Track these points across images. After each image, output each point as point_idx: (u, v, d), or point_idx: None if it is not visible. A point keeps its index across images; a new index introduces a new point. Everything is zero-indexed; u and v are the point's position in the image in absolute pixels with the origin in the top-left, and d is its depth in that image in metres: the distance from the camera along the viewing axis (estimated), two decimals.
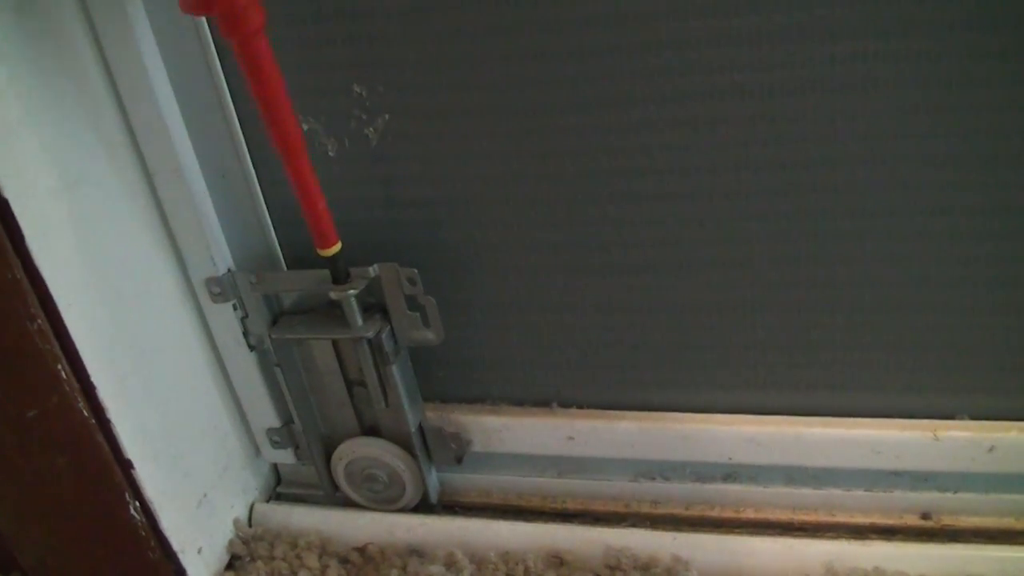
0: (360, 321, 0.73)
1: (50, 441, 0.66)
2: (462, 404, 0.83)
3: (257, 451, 0.87)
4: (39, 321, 0.61)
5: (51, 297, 0.61)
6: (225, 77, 0.69)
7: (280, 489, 0.90)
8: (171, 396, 0.74)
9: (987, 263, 0.66)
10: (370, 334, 0.73)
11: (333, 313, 0.75)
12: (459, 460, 0.82)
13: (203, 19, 0.66)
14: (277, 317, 0.78)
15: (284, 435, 0.84)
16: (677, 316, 0.74)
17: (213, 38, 0.67)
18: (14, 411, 0.64)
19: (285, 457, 0.86)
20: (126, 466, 0.67)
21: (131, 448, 0.67)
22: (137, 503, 0.69)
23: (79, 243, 0.64)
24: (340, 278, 0.71)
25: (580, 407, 0.81)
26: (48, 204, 0.61)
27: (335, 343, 0.77)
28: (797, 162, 0.65)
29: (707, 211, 0.68)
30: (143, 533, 0.70)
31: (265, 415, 0.83)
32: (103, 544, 0.71)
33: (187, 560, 0.73)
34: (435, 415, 0.82)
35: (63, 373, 0.63)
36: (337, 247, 0.69)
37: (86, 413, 0.65)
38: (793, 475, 0.78)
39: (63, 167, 0.62)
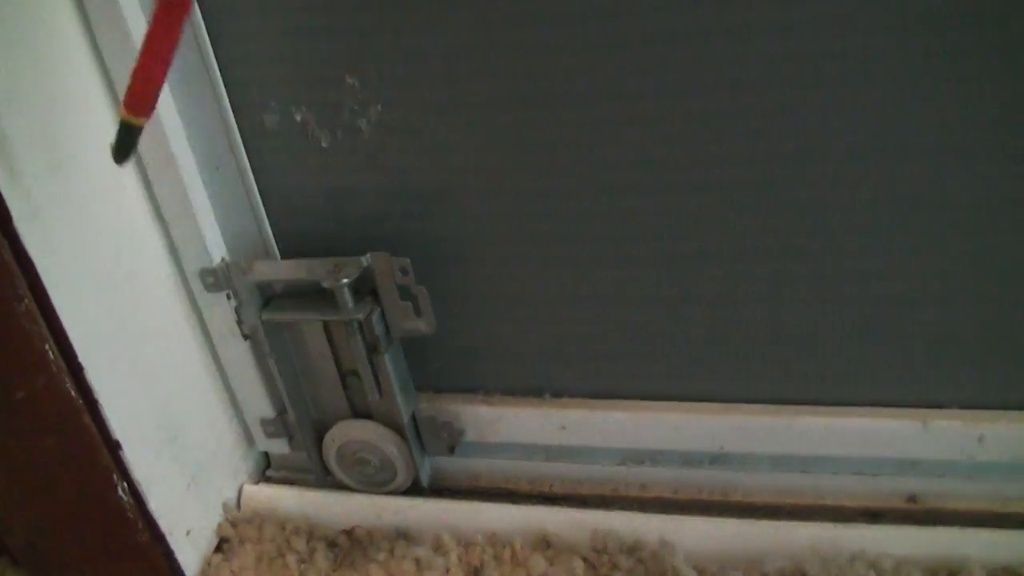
0: (351, 305, 0.69)
1: (38, 422, 0.62)
2: (455, 394, 0.79)
3: (250, 439, 0.82)
4: (26, 301, 0.57)
5: (39, 278, 0.57)
6: (219, 66, 0.65)
7: (270, 472, 0.86)
8: (161, 380, 0.70)
9: (977, 255, 0.63)
10: (360, 316, 0.69)
11: (324, 296, 0.70)
12: (452, 450, 0.79)
13: (196, 7, 0.62)
14: (268, 302, 0.74)
15: (278, 424, 0.80)
16: (669, 308, 0.71)
17: (208, 31, 0.63)
18: (1, 392, 0.60)
19: (279, 446, 0.82)
20: (114, 447, 0.64)
21: (119, 430, 0.64)
22: (125, 484, 0.65)
23: (68, 225, 0.60)
24: (124, 153, 0.57)
25: (572, 396, 0.77)
26: (36, 185, 0.57)
27: (328, 332, 0.73)
28: (790, 156, 0.61)
29: (700, 204, 0.65)
30: (131, 515, 0.66)
31: (259, 405, 0.79)
32: (91, 526, 0.67)
33: (175, 542, 0.70)
34: (428, 405, 0.78)
35: (51, 354, 0.59)
36: (143, 121, 0.56)
37: (74, 394, 0.61)
38: (781, 462, 0.73)
39: (51, 149, 0.59)
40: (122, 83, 0.62)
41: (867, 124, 0.58)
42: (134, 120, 0.54)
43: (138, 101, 0.53)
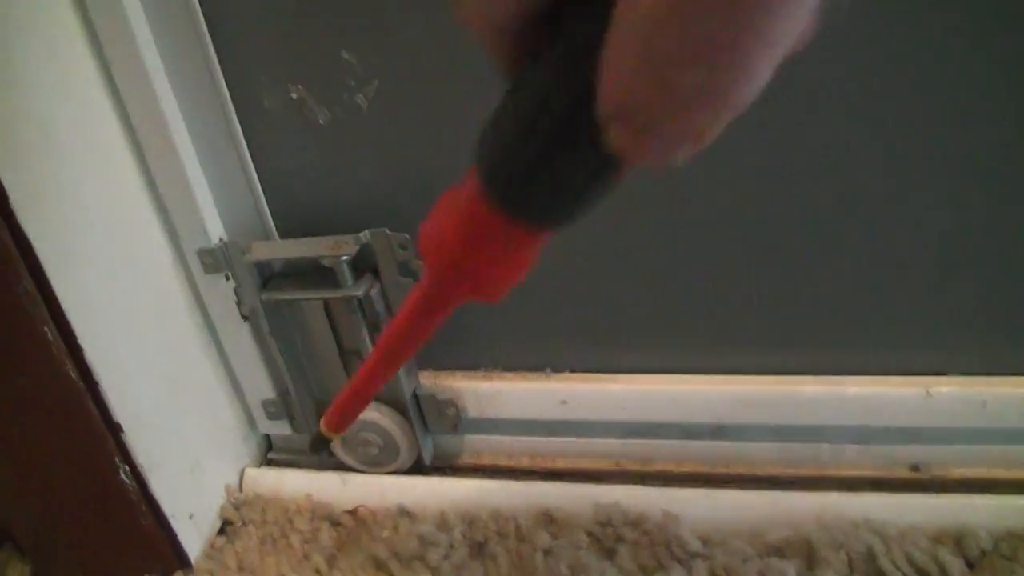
0: (351, 282, 0.68)
1: (39, 406, 0.61)
2: (456, 371, 0.79)
3: (251, 422, 0.82)
4: (25, 284, 0.56)
5: (38, 260, 0.56)
6: (215, 49, 0.64)
7: (272, 455, 0.85)
8: (162, 362, 0.69)
9: (977, 221, 0.62)
10: (359, 292, 0.68)
11: (323, 274, 0.69)
12: (454, 427, 0.78)
13: None
14: (268, 282, 0.73)
15: (279, 406, 0.79)
16: (668, 280, 0.70)
17: (202, 10, 0.62)
18: (1, 376, 0.59)
19: (281, 428, 0.81)
20: (116, 430, 0.63)
21: (120, 412, 0.63)
22: (127, 467, 0.64)
23: (66, 207, 0.59)
24: (316, 450, 0.62)
25: (573, 371, 0.77)
26: (33, 167, 0.56)
27: (328, 310, 0.72)
28: (784, 123, 0.60)
29: (695, 176, 0.63)
30: (134, 498, 0.65)
31: (260, 386, 0.78)
32: (95, 511, 0.66)
33: (179, 526, 0.69)
34: (429, 383, 0.78)
35: (50, 335, 0.58)
36: (335, 437, 0.57)
37: (74, 377, 0.60)
38: (783, 432, 0.73)
39: (48, 131, 0.58)
40: (119, 68, 0.62)
41: (869, 87, 0.58)
42: (329, 434, 0.56)
43: (336, 423, 0.56)
